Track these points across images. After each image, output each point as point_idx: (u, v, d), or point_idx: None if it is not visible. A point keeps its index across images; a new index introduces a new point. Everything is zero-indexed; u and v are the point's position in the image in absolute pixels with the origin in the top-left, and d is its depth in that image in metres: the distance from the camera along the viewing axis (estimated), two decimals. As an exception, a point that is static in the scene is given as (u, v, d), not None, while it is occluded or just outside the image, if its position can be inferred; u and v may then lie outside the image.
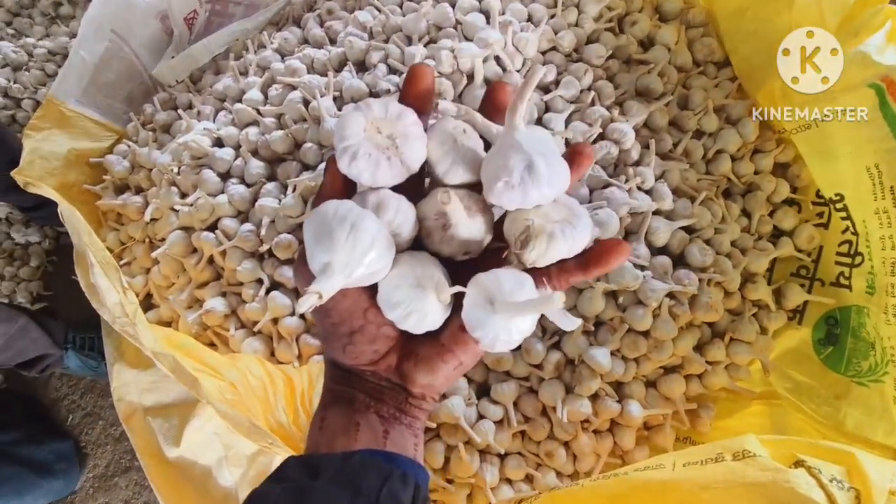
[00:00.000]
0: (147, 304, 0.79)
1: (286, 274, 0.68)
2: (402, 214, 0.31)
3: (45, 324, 0.92)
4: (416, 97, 0.32)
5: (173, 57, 0.87)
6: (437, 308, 0.30)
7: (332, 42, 0.79)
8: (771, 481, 0.35)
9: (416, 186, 0.33)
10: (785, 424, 0.64)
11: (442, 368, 0.31)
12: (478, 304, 0.30)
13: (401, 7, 0.78)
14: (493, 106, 0.34)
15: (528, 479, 0.63)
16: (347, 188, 0.31)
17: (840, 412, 0.61)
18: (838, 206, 0.65)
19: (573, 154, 0.32)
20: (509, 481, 0.63)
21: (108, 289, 0.58)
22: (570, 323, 0.31)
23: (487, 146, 0.33)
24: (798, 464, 0.36)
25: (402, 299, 0.30)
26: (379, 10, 0.78)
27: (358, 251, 0.28)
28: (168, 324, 0.76)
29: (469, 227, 0.31)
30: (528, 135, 0.30)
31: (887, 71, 0.57)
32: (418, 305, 0.30)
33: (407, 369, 0.31)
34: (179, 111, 0.80)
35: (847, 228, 0.65)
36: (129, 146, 0.83)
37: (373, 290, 0.31)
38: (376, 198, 0.30)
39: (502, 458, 0.63)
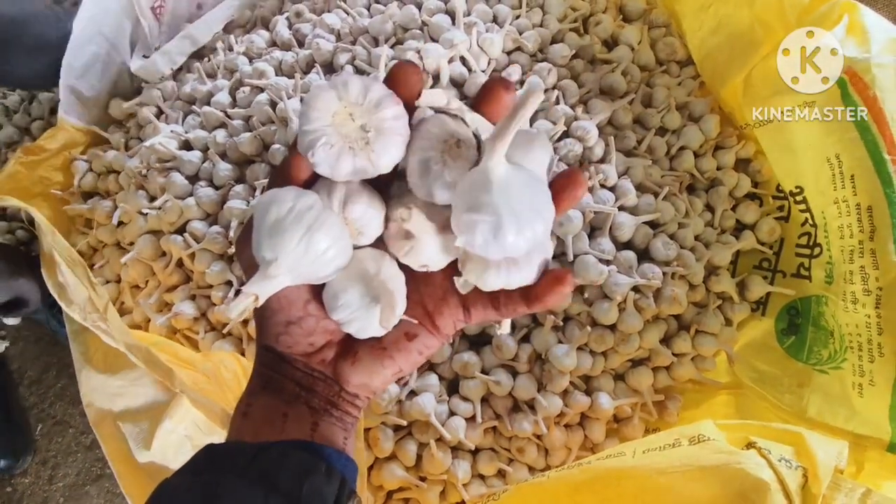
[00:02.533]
0: (119, 310, 0.78)
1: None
2: (371, 212, 0.27)
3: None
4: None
5: (145, 56, 0.85)
6: None
7: (301, 44, 0.80)
8: (723, 463, 0.36)
9: (393, 179, 0.30)
10: (750, 413, 0.65)
11: (380, 373, 0.29)
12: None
13: (368, 9, 0.79)
14: (488, 106, 0.27)
15: (501, 474, 0.64)
16: (314, 175, 0.28)
17: (803, 400, 0.62)
18: (798, 198, 0.67)
19: (565, 182, 0.27)
20: (482, 477, 0.64)
21: (77, 285, 0.58)
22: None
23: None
24: (749, 445, 0.37)
25: (347, 303, 0.28)
26: (346, 13, 0.78)
27: (309, 256, 0.25)
28: (139, 328, 0.75)
29: (433, 245, 0.28)
30: (508, 177, 0.25)
31: (849, 63, 0.59)
32: (363, 314, 0.28)
33: (343, 368, 0.29)
34: (148, 114, 0.79)
35: (806, 221, 0.66)
36: (96, 150, 0.82)
37: None
38: (345, 189, 0.27)
39: (474, 454, 0.64)
